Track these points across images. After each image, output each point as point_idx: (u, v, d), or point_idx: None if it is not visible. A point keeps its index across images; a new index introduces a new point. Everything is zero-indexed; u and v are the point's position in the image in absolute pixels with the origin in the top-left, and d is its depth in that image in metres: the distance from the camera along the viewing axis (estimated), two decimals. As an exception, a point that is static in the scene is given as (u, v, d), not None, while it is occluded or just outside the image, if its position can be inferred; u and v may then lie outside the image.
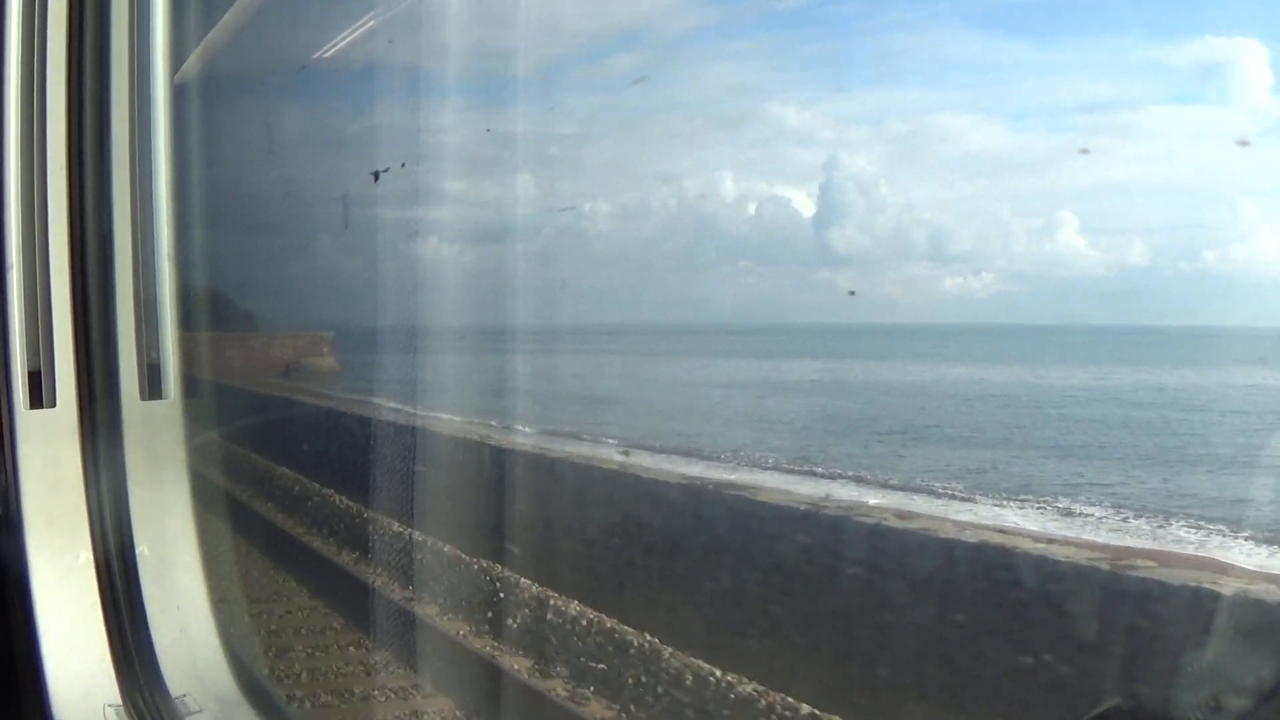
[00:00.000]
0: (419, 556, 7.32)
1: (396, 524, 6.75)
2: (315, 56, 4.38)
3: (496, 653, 7.37)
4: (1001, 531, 8.95)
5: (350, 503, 10.46)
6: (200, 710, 2.63)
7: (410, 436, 5.80)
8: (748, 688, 6.97)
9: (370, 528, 8.23)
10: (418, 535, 6.94)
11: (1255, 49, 43.02)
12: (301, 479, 11.87)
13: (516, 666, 7.15)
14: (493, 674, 6.67)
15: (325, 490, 11.36)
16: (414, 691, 5.85)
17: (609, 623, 8.00)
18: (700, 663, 7.33)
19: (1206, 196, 50.30)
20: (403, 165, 4.15)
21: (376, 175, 4.20)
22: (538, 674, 7.27)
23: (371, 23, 4.12)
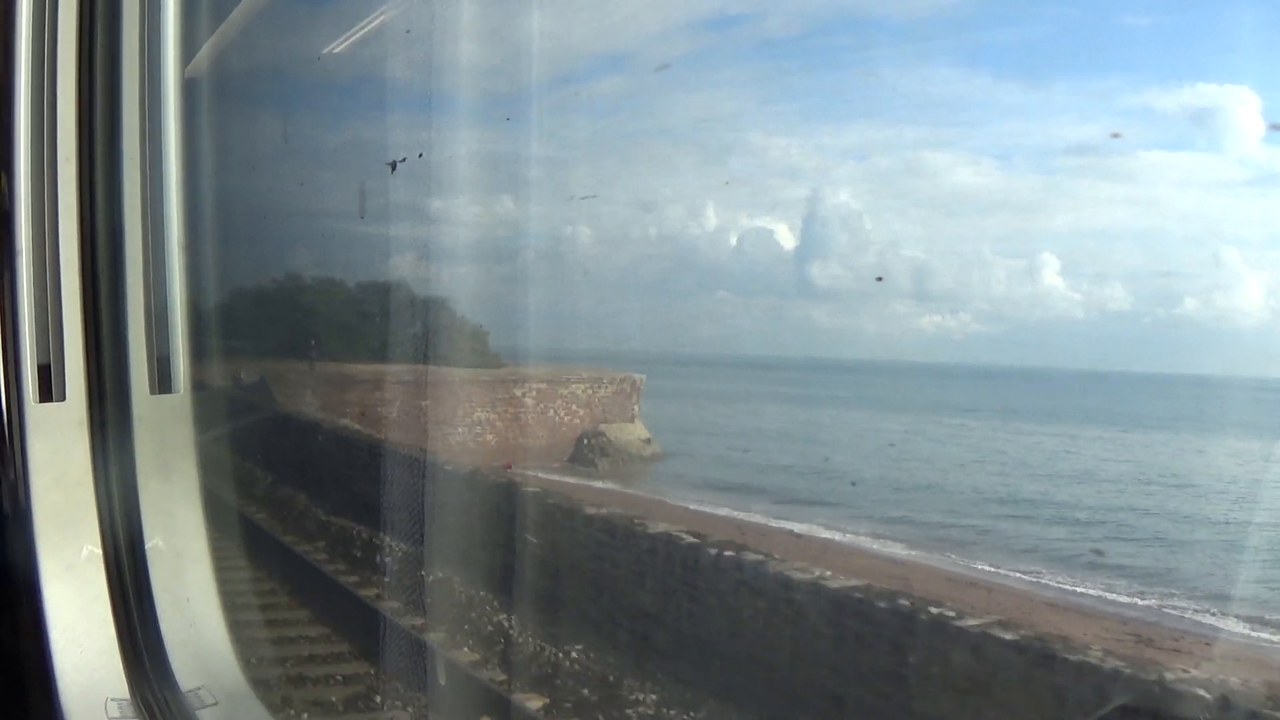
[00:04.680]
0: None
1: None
2: (328, 50, 4.36)
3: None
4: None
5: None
6: (215, 703, 2.62)
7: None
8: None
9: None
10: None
11: (1246, 97, 41.92)
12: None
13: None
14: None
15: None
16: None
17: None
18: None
19: (1191, 243, 49.54)
20: (420, 155, 4.13)
21: (394, 165, 4.19)
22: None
23: (384, 16, 4.09)
